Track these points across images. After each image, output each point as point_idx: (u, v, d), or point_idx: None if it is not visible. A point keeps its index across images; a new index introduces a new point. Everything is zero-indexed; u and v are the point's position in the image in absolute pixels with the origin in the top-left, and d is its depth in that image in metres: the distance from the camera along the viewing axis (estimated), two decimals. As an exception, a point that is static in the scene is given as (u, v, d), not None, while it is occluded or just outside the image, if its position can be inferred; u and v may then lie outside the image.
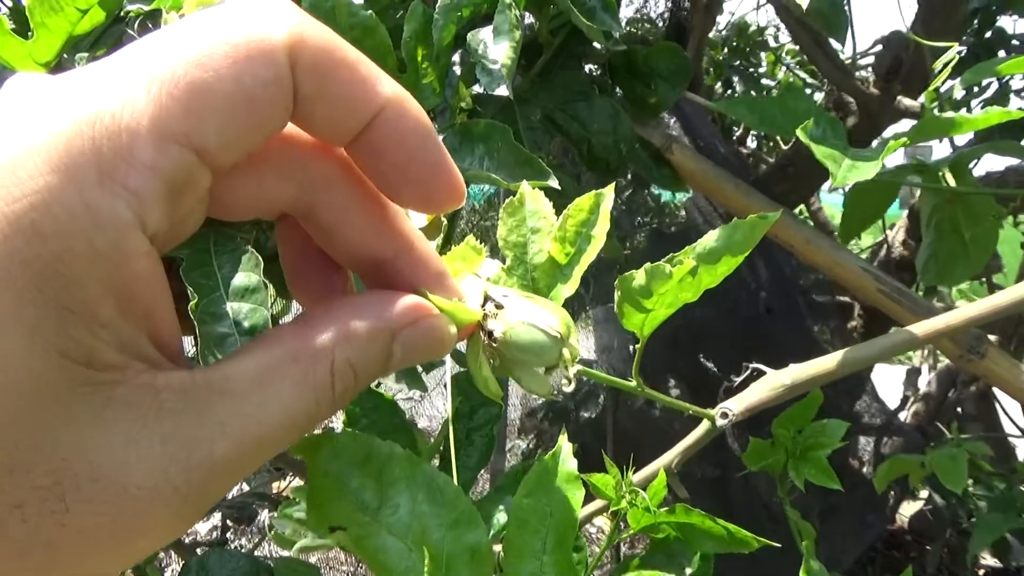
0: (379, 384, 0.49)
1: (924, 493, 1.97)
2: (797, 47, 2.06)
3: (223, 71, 0.20)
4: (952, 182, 0.64)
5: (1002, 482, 1.51)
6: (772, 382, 0.47)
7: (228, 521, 1.23)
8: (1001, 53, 1.52)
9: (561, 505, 0.29)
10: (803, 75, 2.07)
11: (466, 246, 0.36)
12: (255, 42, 0.20)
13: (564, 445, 0.32)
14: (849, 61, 1.31)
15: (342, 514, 0.27)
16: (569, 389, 0.36)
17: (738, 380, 0.55)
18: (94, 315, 0.19)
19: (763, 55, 2.12)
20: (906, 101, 1.06)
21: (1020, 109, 0.53)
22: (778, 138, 2.11)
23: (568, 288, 0.43)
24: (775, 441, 0.60)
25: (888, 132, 1.05)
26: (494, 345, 0.32)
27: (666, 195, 2.15)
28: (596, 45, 0.75)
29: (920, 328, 0.48)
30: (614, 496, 0.50)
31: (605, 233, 0.44)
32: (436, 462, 0.61)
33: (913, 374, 2.10)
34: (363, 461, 0.28)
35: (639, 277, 0.43)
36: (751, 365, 0.55)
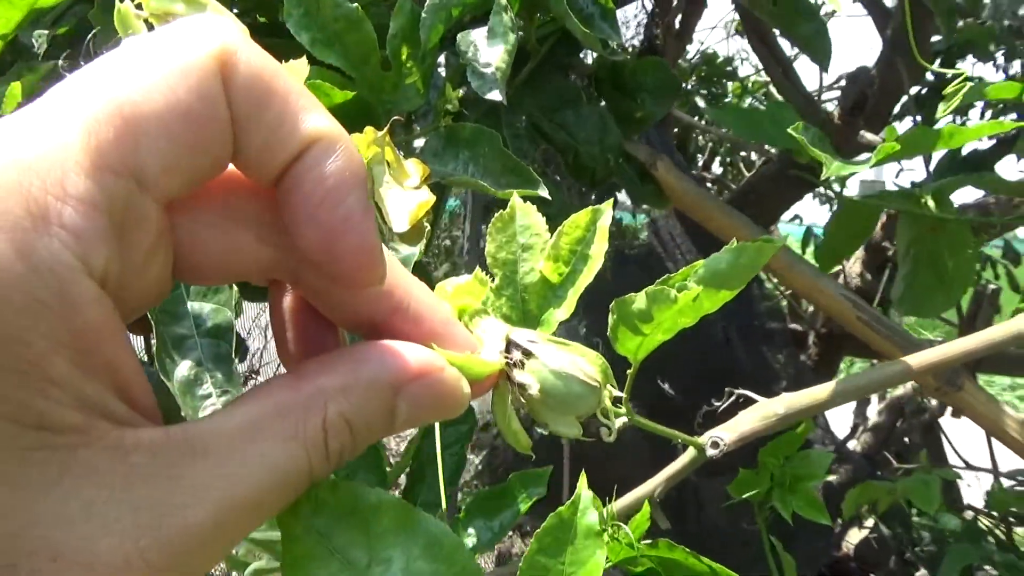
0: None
1: (869, 522, 1.99)
2: (763, 78, 2.10)
3: (154, 92, 0.19)
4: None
5: (947, 512, 1.54)
6: (764, 411, 0.45)
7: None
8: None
9: (581, 566, 0.27)
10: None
11: (474, 281, 0.34)
12: (187, 59, 0.19)
13: (584, 493, 0.29)
14: (816, 94, 1.33)
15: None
16: (611, 439, 0.33)
17: (721, 406, 0.54)
18: (43, 373, 0.17)
19: (729, 85, 2.15)
20: (868, 135, 1.08)
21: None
22: (742, 165, 2.14)
23: (563, 311, 0.41)
24: (760, 470, 0.59)
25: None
26: (523, 397, 0.30)
27: (627, 218, 2.15)
28: (582, 56, 0.74)
29: (914, 360, 0.47)
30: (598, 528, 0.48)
31: (603, 252, 0.42)
32: (404, 480, 0.58)
33: (863, 404, 2.14)
34: (348, 513, 0.25)
35: (639, 301, 0.40)
36: (736, 391, 0.54)
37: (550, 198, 0.51)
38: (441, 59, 0.65)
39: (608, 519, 0.47)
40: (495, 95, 0.54)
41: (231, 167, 0.21)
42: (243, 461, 0.20)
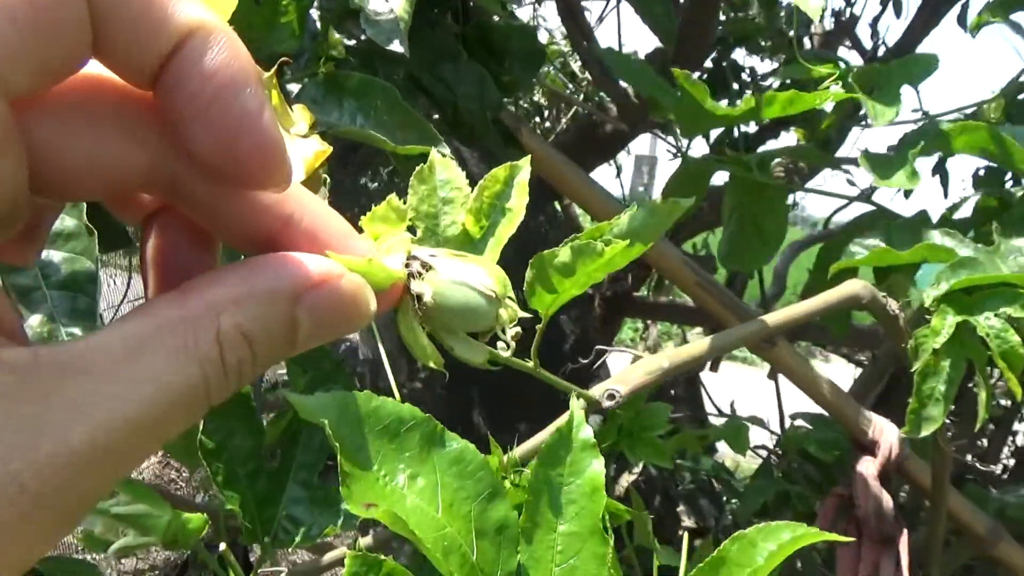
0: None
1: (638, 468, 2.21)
2: (559, 46, 2.19)
3: None
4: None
5: (703, 455, 1.77)
6: (650, 365, 0.49)
7: None
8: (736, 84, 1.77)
9: (580, 475, 0.28)
10: (564, 78, 2.21)
11: (387, 207, 0.33)
12: None
13: (576, 411, 0.31)
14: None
15: (371, 491, 0.24)
16: (507, 354, 0.34)
17: (596, 364, 0.58)
18: None
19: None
20: (656, 118, 1.19)
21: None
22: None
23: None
24: (610, 422, 0.64)
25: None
26: (422, 310, 0.30)
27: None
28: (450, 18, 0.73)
29: (770, 318, 0.54)
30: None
31: (523, 207, 0.43)
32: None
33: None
34: (381, 428, 0.25)
35: (562, 255, 0.42)
36: (603, 348, 0.58)
37: (452, 156, 0.51)
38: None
39: (510, 465, 0.49)
40: (396, 46, 0.53)
41: (101, 68, 0.19)
42: (129, 379, 0.18)
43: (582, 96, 2.10)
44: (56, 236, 0.47)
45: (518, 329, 0.33)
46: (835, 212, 1.25)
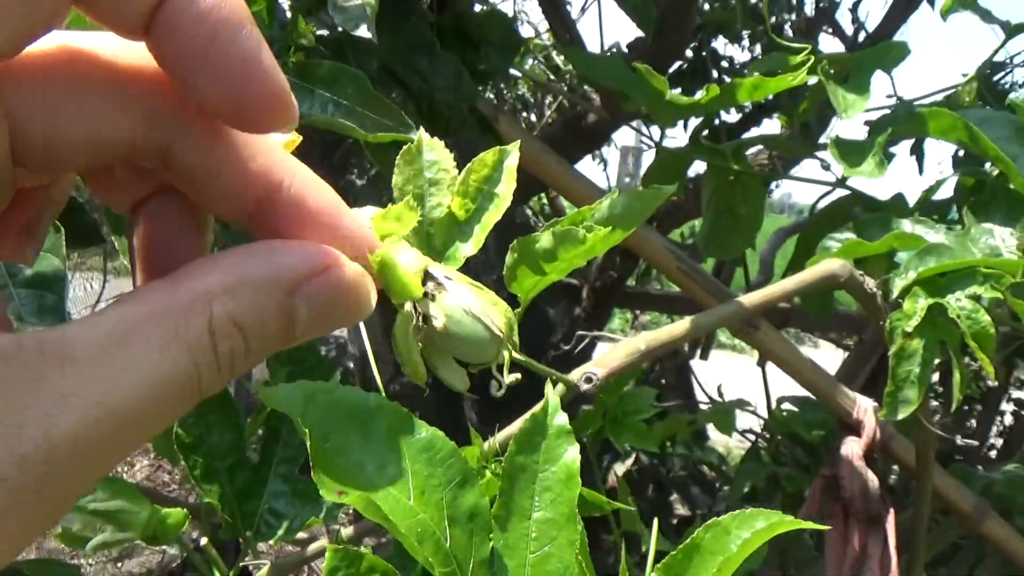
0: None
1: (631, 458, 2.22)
2: (545, 42, 2.18)
3: None
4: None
5: (694, 443, 1.77)
6: (629, 348, 0.49)
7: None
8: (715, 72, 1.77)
9: (555, 462, 0.28)
10: (548, 72, 2.20)
11: (403, 207, 0.33)
12: None
13: (551, 398, 0.30)
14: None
15: (342, 479, 0.23)
16: (499, 393, 0.33)
17: (580, 353, 0.57)
18: None
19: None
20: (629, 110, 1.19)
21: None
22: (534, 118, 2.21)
23: (469, 247, 0.41)
24: (596, 407, 0.64)
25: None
26: (423, 328, 0.29)
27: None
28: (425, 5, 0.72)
29: (747, 299, 0.54)
30: (475, 465, 0.50)
31: (511, 192, 0.43)
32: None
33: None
34: (348, 416, 0.25)
35: (544, 240, 0.42)
36: (588, 333, 0.57)
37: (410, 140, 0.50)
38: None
39: (489, 454, 0.49)
40: (363, 31, 0.52)
41: (78, 39, 0.19)
42: (116, 367, 0.17)
43: (567, 88, 2.09)
44: (22, 234, 0.46)
45: (518, 376, 0.32)
46: (820, 198, 1.25)
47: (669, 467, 2.11)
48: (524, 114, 2.24)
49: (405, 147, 0.44)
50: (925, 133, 0.64)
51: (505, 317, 0.31)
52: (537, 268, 0.44)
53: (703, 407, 2.12)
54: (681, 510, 2.34)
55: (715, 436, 2.00)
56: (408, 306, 0.33)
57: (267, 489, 0.53)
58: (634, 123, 1.54)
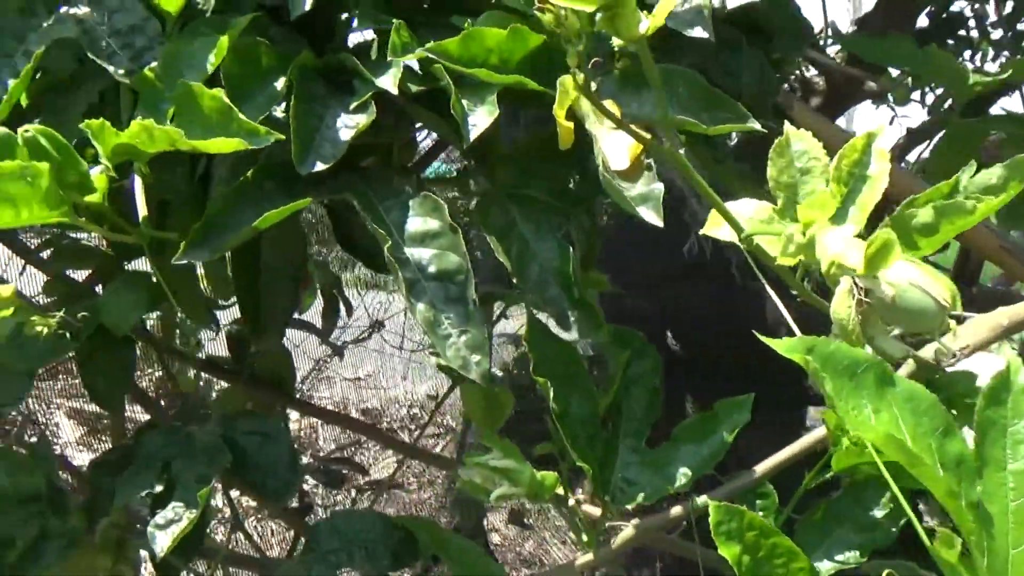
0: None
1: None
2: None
3: None
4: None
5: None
6: (991, 322, 0.49)
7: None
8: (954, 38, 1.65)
9: (1021, 416, 0.30)
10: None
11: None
12: None
13: (1014, 359, 0.33)
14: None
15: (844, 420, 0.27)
16: (951, 363, 0.36)
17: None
18: None
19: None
20: (870, 83, 1.13)
21: None
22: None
23: (850, 227, 0.44)
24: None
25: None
26: (866, 302, 0.32)
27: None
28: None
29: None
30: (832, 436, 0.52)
31: (886, 173, 0.45)
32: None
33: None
34: (844, 368, 0.28)
35: (922, 215, 0.43)
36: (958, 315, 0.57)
37: (764, 131, 0.53)
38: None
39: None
40: (698, 31, 0.56)
41: None
42: None
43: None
44: (423, 236, 0.54)
45: (968, 344, 0.35)
46: None
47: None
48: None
49: (776, 141, 0.48)
50: None
51: (948, 288, 0.33)
52: (911, 244, 0.45)
53: None
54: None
55: None
56: (846, 282, 0.36)
57: (618, 459, 0.58)
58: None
